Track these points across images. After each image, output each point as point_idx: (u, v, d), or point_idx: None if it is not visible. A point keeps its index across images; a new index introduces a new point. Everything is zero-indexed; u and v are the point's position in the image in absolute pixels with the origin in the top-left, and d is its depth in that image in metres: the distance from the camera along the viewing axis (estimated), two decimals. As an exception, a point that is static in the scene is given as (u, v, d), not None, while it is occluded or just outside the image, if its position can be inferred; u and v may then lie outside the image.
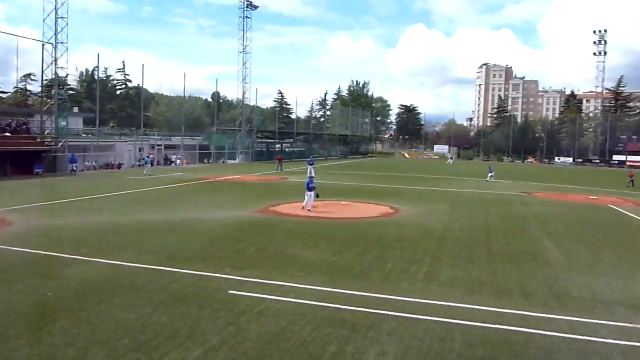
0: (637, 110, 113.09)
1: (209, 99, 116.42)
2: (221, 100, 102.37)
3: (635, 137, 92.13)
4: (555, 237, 17.36)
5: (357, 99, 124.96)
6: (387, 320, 8.86)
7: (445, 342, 8.04)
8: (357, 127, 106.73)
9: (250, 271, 11.71)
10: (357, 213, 21.44)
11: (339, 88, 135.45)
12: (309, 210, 20.83)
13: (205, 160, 59.55)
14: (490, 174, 43.74)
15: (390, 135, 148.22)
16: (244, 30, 65.58)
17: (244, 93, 66.89)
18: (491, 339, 8.21)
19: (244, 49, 65.80)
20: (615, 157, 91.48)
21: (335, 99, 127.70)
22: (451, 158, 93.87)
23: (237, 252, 13.78)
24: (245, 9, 65.57)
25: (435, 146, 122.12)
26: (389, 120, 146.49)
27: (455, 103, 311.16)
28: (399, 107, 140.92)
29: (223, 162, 60.38)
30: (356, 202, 25.06)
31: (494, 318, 9.16)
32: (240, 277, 11.21)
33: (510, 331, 8.54)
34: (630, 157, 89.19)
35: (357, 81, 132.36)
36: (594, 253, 15.08)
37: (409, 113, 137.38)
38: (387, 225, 18.69)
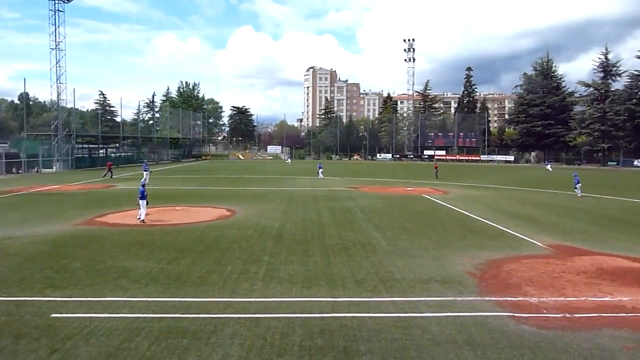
0: (441, 111, 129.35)
1: (16, 101, 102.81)
2: (31, 102, 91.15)
3: (440, 134, 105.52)
4: (381, 227, 18.98)
5: (188, 101, 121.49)
6: (230, 324, 8.81)
7: (287, 336, 8.28)
8: (189, 130, 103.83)
9: (75, 290, 10.66)
10: (193, 218, 20.86)
11: (168, 89, 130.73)
12: (142, 220, 19.54)
13: (14, 170, 52.46)
14: (320, 171, 46.72)
15: (224, 137, 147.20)
16: (55, 24, 59.22)
17: (59, 94, 60.35)
18: (329, 327, 8.67)
19: (56, 46, 59.40)
20: (426, 152, 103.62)
21: (164, 101, 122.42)
22: (290, 158, 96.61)
23: (59, 270, 12.42)
24: (56, 1, 59.26)
25: (268, 147, 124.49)
26: (221, 122, 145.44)
27: (286, 104, 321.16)
28: (231, 109, 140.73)
29: (37, 171, 53.82)
30: (191, 207, 24.37)
31: (330, 308, 9.69)
32: (64, 297, 10.14)
33: (346, 318, 9.13)
34: (437, 152, 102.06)
35: (186, 82, 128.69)
36: (413, 238, 16.84)
37: (241, 114, 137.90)
38: (225, 227, 18.54)
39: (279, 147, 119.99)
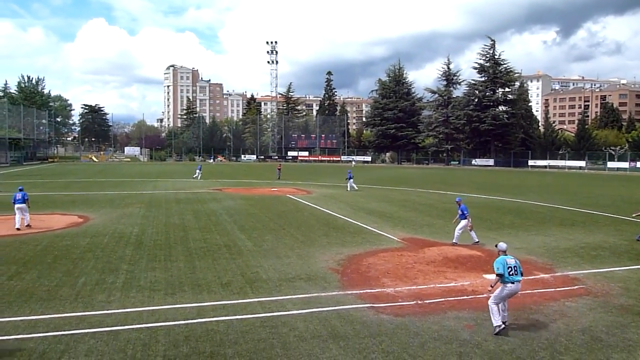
0: (304, 113, 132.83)
1: None
2: None
3: (303, 135, 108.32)
4: (246, 228, 18.93)
5: (31, 97, 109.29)
6: (84, 340, 8.14)
7: (150, 347, 7.88)
8: (32, 129, 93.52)
9: None
10: (38, 227, 18.84)
11: (6, 84, 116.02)
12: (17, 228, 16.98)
13: None
14: (198, 171, 47.47)
15: (75, 137, 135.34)
16: None
17: None
18: (195, 333, 8.44)
19: None
20: (290, 153, 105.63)
21: (1, 97, 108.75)
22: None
23: None
24: None
25: (126, 148, 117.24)
26: (71, 122, 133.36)
27: (144, 104, 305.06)
28: (82, 107, 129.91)
29: None
30: (36, 215, 21.97)
31: (196, 313, 9.43)
32: None
33: (212, 322, 8.95)
34: (301, 153, 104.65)
35: (28, 77, 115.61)
36: (278, 238, 17.06)
37: (94, 113, 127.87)
38: (76, 236, 17.06)
39: (138, 149, 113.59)
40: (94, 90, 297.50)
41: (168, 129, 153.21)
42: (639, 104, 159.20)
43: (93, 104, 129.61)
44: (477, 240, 16.33)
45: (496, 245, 9.15)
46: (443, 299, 10.48)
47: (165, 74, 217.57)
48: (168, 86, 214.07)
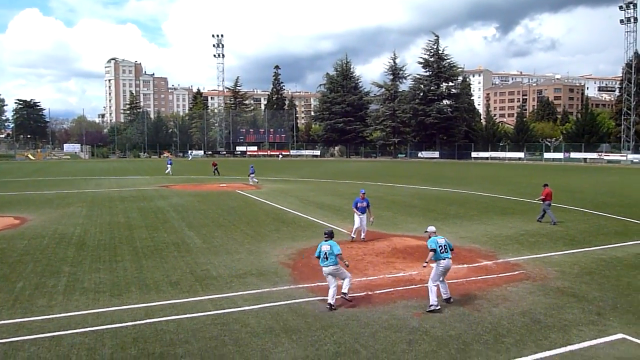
0: (252, 107, 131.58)
1: None
2: None
3: (252, 130, 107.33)
4: (195, 225, 18.63)
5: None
6: (24, 347, 7.78)
7: (95, 351, 7.64)
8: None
9: None
10: (-29, 229, 17.78)
11: None
12: None
13: None
14: (169, 166, 47.46)
15: (9, 134, 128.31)
16: None
17: None
18: (143, 335, 8.24)
19: None
20: (239, 148, 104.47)
21: None
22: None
23: None
24: None
25: (65, 145, 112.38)
26: (4, 118, 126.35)
27: (84, 98, 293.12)
28: (16, 103, 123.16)
29: None
30: (-32, 217, 20.76)
31: (144, 314, 9.21)
32: None
33: (161, 322, 8.77)
34: (249, 148, 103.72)
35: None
36: (228, 234, 16.89)
37: (29, 109, 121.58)
38: (13, 238, 16.24)
39: (78, 146, 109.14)
40: (28, 84, 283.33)
41: (110, 124, 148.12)
42: (571, 98, 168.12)
43: (28, 99, 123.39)
44: (354, 236, 15.70)
45: (426, 231, 10.15)
46: (392, 289, 10.72)
47: (106, 67, 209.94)
48: (109, 80, 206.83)
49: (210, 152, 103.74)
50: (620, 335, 8.23)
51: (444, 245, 9.61)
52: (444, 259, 9.52)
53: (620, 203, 25.13)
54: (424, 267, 9.89)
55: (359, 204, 15.59)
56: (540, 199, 19.84)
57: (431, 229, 10.07)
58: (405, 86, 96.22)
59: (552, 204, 19.55)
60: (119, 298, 10.13)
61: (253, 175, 36.23)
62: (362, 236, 15.72)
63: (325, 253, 9.57)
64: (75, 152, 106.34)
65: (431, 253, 9.45)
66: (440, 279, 9.62)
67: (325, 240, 9.71)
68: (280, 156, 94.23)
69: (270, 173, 49.59)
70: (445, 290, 9.75)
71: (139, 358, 7.43)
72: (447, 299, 9.71)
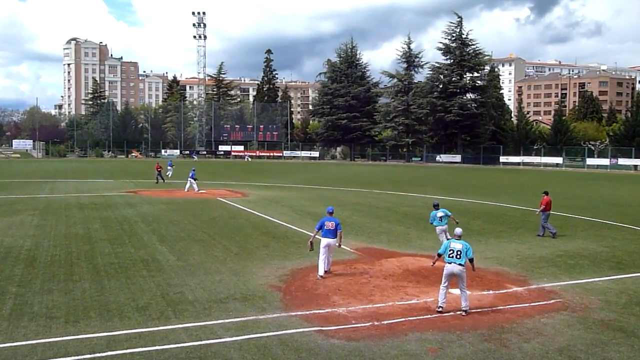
0: (238, 99, 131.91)
1: None
2: None
3: (238, 126, 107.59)
4: (168, 239, 18.61)
5: None
6: (-41, 382, 7.74)
7: (45, 388, 7.60)
8: None
9: None
10: None
11: None
12: None
13: None
14: (170, 168, 47.76)
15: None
16: None
17: None
18: (103, 369, 8.20)
19: None
20: (222, 148, 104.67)
21: None
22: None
23: None
24: None
25: (14, 141, 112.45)
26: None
27: (39, 86, 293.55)
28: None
29: None
30: None
31: (105, 344, 9.17)
32: None
33: (126, 355, 8.73)
34: (235, 147, 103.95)
35: None
36: (208, 250, 16.87)
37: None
38: (-50, 251, 16.20)
39: (30, 142, 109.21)
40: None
41: (69, 117, 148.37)
42: (620, 93, 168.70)
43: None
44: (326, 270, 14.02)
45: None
46: (403, 319, 10.69)
47: (65, 49, 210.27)
48: (69, 64, 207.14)
49: (188, 152, 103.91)
50: (675, 378, 8.21)
51: (458, 251, 10.97)
52: (449, 263, 10.94)
53: (676, 219, 25.16)
54: (431, 265, 12.32)
55: (325, 224, 13.85)
56: (541, 209, 20.19)
57: (458, 231, 11.54)
58: (421, 76, 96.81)
59: (597, 220, 19.57)
60: (76, 325, 10.09)
61: (195, 181, 35.31)
62: (326, 267, 13.88)
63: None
64: (27, 150, 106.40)
65: (435, 257, 11.52)
66: (446, 283, 11.03)
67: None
68: (248, 158, 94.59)
69: (260, 178, 49.61)
70: (465, 302, 10.92)
71: (97, 398, 7.40)
72: (465, 311, 10.86)
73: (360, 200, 32.02)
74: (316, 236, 14.14)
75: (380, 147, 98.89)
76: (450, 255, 10.99)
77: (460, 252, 10.93)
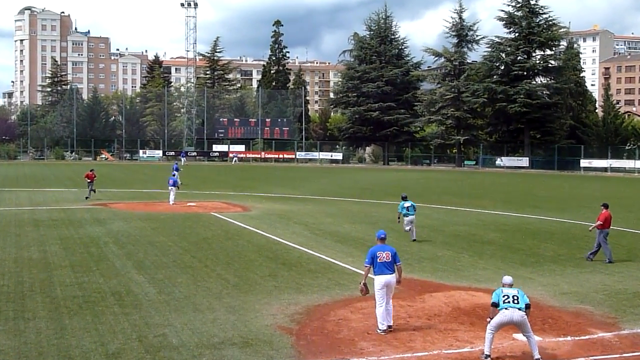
0: (238, 85, 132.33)
1: None
2: None
3: (237, 120, 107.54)
4: (146, 266, 18.68)
5: None
6: None
7: None
8: None
9: None
10: None
11: None
12: None
13: None
14: (175, 173, 46.32)
15: None
16: None
17: None
18: None
19: None
20: (216, 148, 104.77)
21: None
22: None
23: None
24: None
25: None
26: None
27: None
28: None
29: None
30: None
31: (64, 402, 9.22)
32: None
33: (91, 416, 8.77)
34: (233, 147, 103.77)
35: None
36: (198, 281, 16.90)
37: None
38: None
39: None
40: None
41: (21, 108, 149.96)
42: None
43: None
44: None
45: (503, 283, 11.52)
46: (453, 373, 10.61)
47: (17, 21, 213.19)
48: (21, 40, 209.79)
49: (172, 153, 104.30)
50: None
51: (514, 295, 11.13)
52: (507, 309, 11.00)
53: None
54: (487, 322, 11.36)
55: (378, 256, 12.93)
56: (596, 225, 20.15)
57: (507, 279, 11.56)
58: (476, 55, 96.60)
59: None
60: (28, 376, 10.17)
61: (175, 185, 35.90)
62: (389, 319, 12.81)
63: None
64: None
65: (491, 308, 11.22)
66: (495, 330, 11.12)
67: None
68: (235, 159, 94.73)
69: (265, 186, 49.67)
70: (535, 351, 10.94)
71: None
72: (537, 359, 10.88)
73: (396, 216, 31.88)
74: (369, 274, 13.19)
75: (423, 147, 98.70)
76: (506, 301, 11.11)
77: (517, 297, 11.13)
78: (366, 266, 13.05)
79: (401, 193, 25.47)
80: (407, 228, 24.00)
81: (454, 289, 16.40)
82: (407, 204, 23.85)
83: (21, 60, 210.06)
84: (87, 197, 38.39)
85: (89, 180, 39.35)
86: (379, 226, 27.63)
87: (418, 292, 15.99)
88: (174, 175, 47.18)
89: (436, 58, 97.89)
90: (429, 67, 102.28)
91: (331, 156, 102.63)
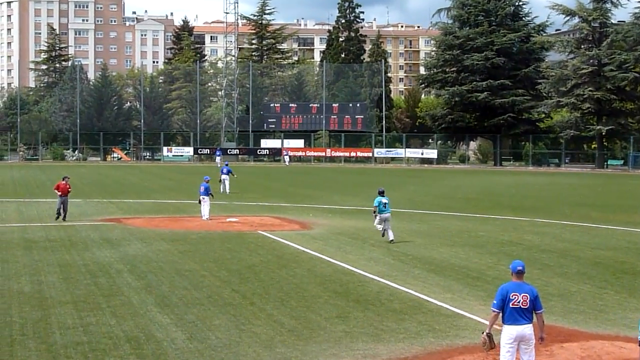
0: (295, 58, 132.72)
1: None
2: None
3: (294, 106, 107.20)
4: (173, 303, 18.82)
5: None
6: None
7: None
8: None
9: None
10: None
11: None
12: None
13: None
14: (225, 175, 48.92)
15: None
16: None
17: None
18: None
19: None
20: (265, 144, 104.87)
21: None
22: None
23: None
24: None
25: None
26: None
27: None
28: None
29: None
30: None
31: None
32: None
33: None
34: (288, 142, 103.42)
35: None
36: (241, 323, 16.95)
37: None
38: None
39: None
40: None
41: (9, 93, 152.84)
42: None
43: None
44: None
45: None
46: None
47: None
48: (9, 3, 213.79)
49: (207, 151, 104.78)
50: None
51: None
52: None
53: None
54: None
55: (512, 299, 12.03)
56: None
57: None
58: (623, 14, 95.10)
59: None
60: None
61: (206, 197, 36.12)
62: None
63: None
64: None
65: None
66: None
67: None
68: (286, 159, 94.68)
69: (331, 196, 49.69)
70: None
71: None
72: None
73: (513, 236, 31.48)
74: (495, 322, 12.50)
75: (549, 141, 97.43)
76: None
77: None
78: (494, 311, 12.09)
79: (379, 188, 29.34)
80: (380, 227, 28.45)
81: (594, 338, 16.09)
82: (385, 200, 28.14)
83: (9, 29, 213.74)
84: (57, 217, 36.47)
85: (59, 194, 36.84)
86: (488, 250, 27.34)
87: (544, 343, 15.74)
88: (225, 176, 47.68)
89: (568, 17, 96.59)
90: (557, 30, 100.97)
91: (422, 154, 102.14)
